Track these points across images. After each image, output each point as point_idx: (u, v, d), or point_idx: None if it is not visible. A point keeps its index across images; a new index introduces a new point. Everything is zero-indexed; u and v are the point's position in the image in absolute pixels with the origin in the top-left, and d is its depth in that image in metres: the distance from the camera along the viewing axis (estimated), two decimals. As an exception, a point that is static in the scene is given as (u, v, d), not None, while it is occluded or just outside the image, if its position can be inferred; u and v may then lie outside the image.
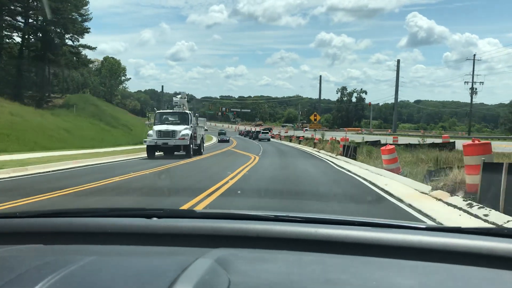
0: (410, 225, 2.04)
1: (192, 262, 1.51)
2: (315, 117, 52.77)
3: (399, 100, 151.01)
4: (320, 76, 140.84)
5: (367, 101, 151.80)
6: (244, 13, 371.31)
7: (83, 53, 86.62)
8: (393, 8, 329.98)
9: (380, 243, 1.79)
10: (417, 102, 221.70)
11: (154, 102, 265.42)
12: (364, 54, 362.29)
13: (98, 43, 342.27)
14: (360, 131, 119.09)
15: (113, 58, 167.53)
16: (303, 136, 63.12)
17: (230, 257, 1.63)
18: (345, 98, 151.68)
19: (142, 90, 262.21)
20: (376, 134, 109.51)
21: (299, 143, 57.70)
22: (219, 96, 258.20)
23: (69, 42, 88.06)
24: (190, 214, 2.35)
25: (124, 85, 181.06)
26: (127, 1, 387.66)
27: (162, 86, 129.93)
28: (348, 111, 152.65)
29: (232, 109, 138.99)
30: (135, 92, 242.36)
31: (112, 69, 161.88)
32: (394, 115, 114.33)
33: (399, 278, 1.52)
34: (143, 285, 1.40)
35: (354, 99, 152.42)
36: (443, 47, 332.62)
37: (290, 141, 68.70)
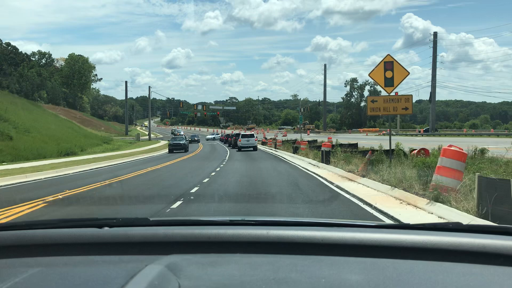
0: (359, 224, 1.96)
1: (141, 269, 1.43)
2: (390, 74, 12.90)
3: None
4: (325, 65, 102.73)
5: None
6: (240, 19, 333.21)
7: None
8: (389, 10, 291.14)
9: (330, 242, 1.71)
10: (419, 102, 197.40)
11: (141, 109, 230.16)
12: (360, 57, 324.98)
13: (94, 53, 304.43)
14: (383, 133, 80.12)
15: (80, 55, 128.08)
16: (329, 143, 23.15)
17: (182, 263, 1.55)
18: (356, 92, 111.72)
19: (134, 97, 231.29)
20: (411, 135, 70.88)
21: (327, 162, 18.33)
22: (214, 101, 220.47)
23: None
24: (143, 222, 2.09)
25: (94, 86, 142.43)
26: (121, 11, 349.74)
27: (126, 82, 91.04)
28: (359, 109, 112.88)
29: (211, 107, 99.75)
30: (124, 99, 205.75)
31: (75, 67, 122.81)
32: (432, 109, 75.12)
33: (348, 275, 1.49)
34: None
35: (366, 93, 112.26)
36: (438, 48, 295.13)
37: (296, 152, 29.53)
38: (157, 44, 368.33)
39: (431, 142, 31.53)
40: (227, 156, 32.16)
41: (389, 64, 14.49)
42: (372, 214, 8.10)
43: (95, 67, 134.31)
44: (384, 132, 79.29)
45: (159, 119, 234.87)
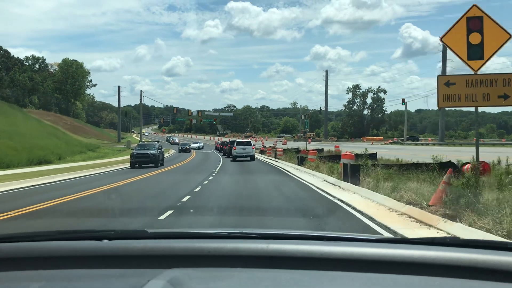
0: (360, 237, 1.91)
1: (144, 285, 1.40)
2: (477, 38, 6.04)
3: (396, 109, 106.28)
4: (326, 71, 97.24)
5: (387, 103, 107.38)
6: (240, 28, 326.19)
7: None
8: (388, 20, 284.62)
9: (330, 256, 1.65)
10: (418, 111, 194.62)
11: (139, 116, 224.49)
12: (359, 67, 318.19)
13: (94, 61, 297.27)
14: (389, 142, 74.07)
15: (74, 60, 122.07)
16: (351, 153, 16.51)
17: (183, 278, 1.50)
18: (358, 100, 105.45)
19: (132, 105, 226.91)
20: (421, 144, 64.66)
21: (354, 182, 12.23)
22: (212, 109, 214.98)
23: None
24: (142, 234, 2.06)
25: (88, 92, 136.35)
26: (121, 19, 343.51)
27: (119, 87, 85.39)
28: (362, 117, 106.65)
29: (206, 113, 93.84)
30: (123, 106, 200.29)
31: (68, 71, 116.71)
32: (441, 117, 68.96)
33: None
34: None
35: (369, 101, 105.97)
36: (437, 57, 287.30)
37: (302, 163, 23.47)
38: (157, 52, 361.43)
39: (457, 153, 25.86)
40: (217, 169, 26.02)
41: (475, 21, 8.47)
42: None
43: (89, 73, 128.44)
44: (391, 141, 73.25)
45: (157, 126, 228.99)
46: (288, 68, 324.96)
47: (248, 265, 1.63)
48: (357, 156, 19.92)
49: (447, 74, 70.68)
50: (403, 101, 72.99)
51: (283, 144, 68.23)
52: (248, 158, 35.84)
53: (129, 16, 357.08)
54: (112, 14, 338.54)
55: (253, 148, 36.43)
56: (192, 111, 74.72)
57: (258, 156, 41.51)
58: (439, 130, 69.88)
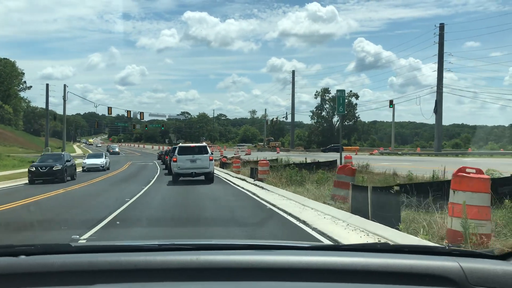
0: (294, 245, 1.84)
1: None
2: None
3: (347, 122, 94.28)
4: (293, 71, 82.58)
5: (359, 110, 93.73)
6: (196, 38, 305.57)
7: None
8: (343, 34, 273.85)
9: (263, 266, 1.57)
10: (373, 123, 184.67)
11: (87, 125, 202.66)
12: (314, 79, 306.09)
13: (45, 68, 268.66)
14: (374, 152, 59.57)
15: (5, 58, 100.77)
16: None
17: None
18: (327, 105, 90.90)
19: (81, 113, 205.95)
20: (410, 154, 50.35)
21: None
22: (167, 119, 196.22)
23: None
24: (65, 248, 1.83)
25: (23, 96, 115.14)
26: (73, 26, 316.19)
27: (47, 85, 65.38)
28: (332, 124, 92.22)
29: (150, 115, 77.03)
30: (73, 115, 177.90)
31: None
32: (437, 122, 54.80)
33: None
34: None
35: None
36: (388, 71, 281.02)
37: (389, 217, 6.98)
38: (111, 61, 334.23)
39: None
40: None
41: None
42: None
43: (23, 73, 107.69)
44: (377, 151, 58.68)
45: (106, 136, 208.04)
46: (244, 79, 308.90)
47: (178, 278, 1.51)
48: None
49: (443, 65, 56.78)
50: (391, 103, 58.82)
51: (246, 154, 52.68)
52: (202, 177, 19.53)
53: (82, 24, 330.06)
54: (64, 21, 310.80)
55: (211, 159, 19.92)
56: (133, 112, 57.40)
57: (218, 171, 25.27)
58: (435, 140, 56.33)
